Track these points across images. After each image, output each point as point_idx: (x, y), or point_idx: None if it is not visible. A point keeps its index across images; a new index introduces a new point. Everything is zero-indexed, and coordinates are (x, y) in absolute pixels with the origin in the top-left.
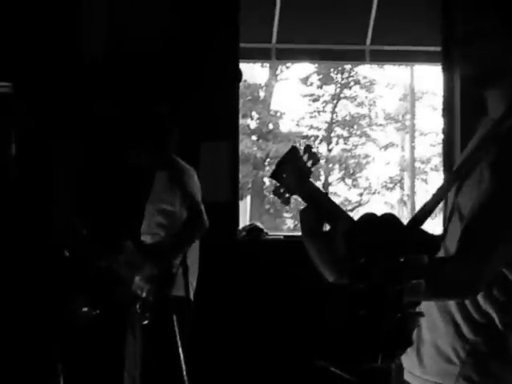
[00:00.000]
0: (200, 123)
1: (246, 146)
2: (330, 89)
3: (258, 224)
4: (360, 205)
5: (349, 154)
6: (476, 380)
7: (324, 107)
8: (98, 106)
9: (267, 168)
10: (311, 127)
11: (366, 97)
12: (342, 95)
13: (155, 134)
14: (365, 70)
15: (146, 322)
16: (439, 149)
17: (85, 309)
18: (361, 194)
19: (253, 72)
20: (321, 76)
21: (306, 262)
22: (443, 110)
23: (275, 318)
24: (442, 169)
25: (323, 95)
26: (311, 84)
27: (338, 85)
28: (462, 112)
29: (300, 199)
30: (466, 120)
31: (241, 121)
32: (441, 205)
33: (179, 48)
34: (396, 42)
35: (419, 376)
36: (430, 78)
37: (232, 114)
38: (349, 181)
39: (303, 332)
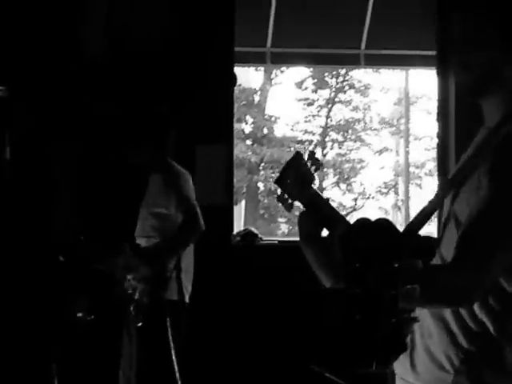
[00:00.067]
0: (195, 127)
1: (241, 150)
2: (325, 93)
3: (253, 229)
4: (354, 210)
5: (343, 158)
6: None
7: (319, 111)
8: (98, 106)
9: (262, 172)
10: (306, 132)
11: (361, 101)
12: (336, 99)
13: (155, 135)
14: (360, 75)
15: (139, 324)
16: (434, 153)
17: (80, 314)
18: (355, 199)
19: (247, 76)
20: (315, 80)
21: (301, 267)
22: (438, 114)
23: (270, 323)
24: (436, 173)
25: (318, 99)
26: (306, 88)
27: (333, 89)
28: (456, 116)
29: (300, 205)
30: (460, 124)
31: (235, 125)
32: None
33: (175, 52)
34: (391, 46)
35: (412, 382)
36: (424, 82)
37: (227, 118)
38: (343, 185)
39: (298, 337)
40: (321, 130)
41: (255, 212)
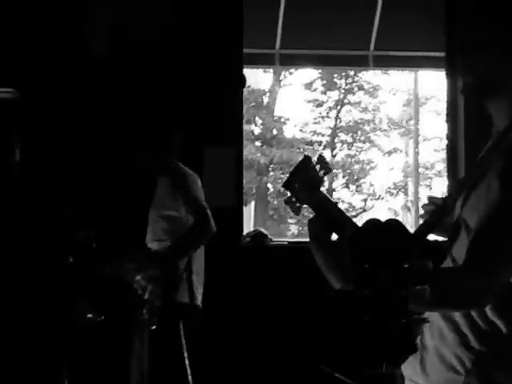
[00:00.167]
0: (204, 129)
1: (250, 151)
2: (334, 94)
3: (262, 230)
4: (364, 211)
5: (353, 159)
6: None
7: (328, 113)
8: (102, 106)
9: (271, 174)
10: (315, 133)
11: (370, 102)
12: (345, 101)
13: (158, 137)
14: (368, 76)
15: (153, 327)
16: (443, 154)
17: (89, 315)
18: (365, 200)
19: (256, 78)
20: (324, 82)
21: (311, 268)
22: (447, 115)
23: (280, 324)
24: (446, 174)
25: (327, 101)
26: (315, 90)
27: (342, 90)
28: (465, 117)
29: (309, 208)
30: (470, 125)
31: (244, 127)
32: None
33: (183, 54)
34: (400, 47)
35: None
36: (433, 84)
37: (236, 120)
38: (353, 186)
39: (308, 337)
40: (330, 131)
41: (265, 213)
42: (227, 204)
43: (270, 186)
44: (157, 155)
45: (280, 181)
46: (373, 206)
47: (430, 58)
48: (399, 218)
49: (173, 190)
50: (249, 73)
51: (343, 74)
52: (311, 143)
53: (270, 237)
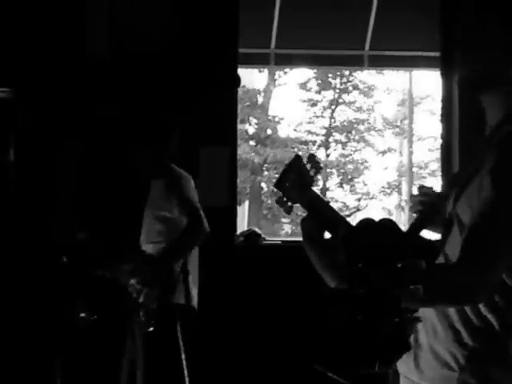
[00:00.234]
0: (199, 128)
1: (244, 151)
2: (329, 94)
3: (256, 229)
4: (358, 210)
5: (347, 159)
6: None
7: (322, 112)
8: (100, 106)
9: (265, 173)
10: (309, 132)
11: (365, 102)
12: (340, 100)
13: (157, 137)
14: (363, 76)
15: (151, 329)
16: (437, 154)
17: (83, 314)
18: (359, 199)
19: (251, 77)
20: (319, 81)
21: (304, 268)
22: (442, 114)
23: (273, 323)
24: (440, 174)
25: (321, 100)
26: (310, 89)
27: (337, 90)
28: (460, 117)
29: (301, 207)
30: (464, 125)
31: (239, 126)
32: None
33: (178, 53)
34: (394, 47)
35: (416, 381)
36: (428, 83)
37: (230, 120)
38: (347, 186)
39: (302, 337)
40: (324, 130)
41: (259, 212)
42: (221, 203)
43: (263, 185)
44: (156, 155)
45: (274, 180)
46: (366, 206)
47: (425, 58)
48: (393, 218)
49: (167, 192)
50: (243, 72)
51: (338, 73)
52: (305, 143)
53: (263, 236)
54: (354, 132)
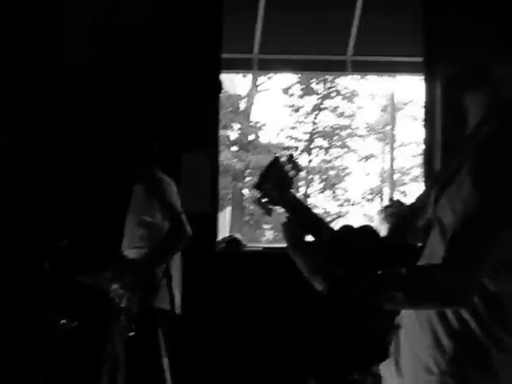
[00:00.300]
0: (180, 133)
1: (226, 157)
2: (312, 99)
3: (238, 236)
4: (339, 216)
5: (329, 165)
6: None
7: (305, 118)
8: (81, 116)
9: (247, 179)
10: (292, 138)
11: (348, 107)
12: (323, 106)
13: (138, 143)
14: (346, 81)
15: (132, 334)
16: (420, 159)
17: (63, 321)
18: (341, 206)
19: (234, 83)
20: (303, 86)
21: (285, 274)
22: (424, 120)
23: (254, 329)
24: (422, 179)
25: (304, 106)
26: (292, 95)
27: (320, 95)
28: (443, 122)
29: (281, 210)
30: (447, 130)
31: (221, 132)
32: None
33: (160, 58)
34: (378, 52)
35: None
36: (411, 89)
37: (213, 125)
38: (329, 192)
39: (284, 342)
40: (307, 136)
41: (240, 218)
42: (203, 209)
43: (245, 191)
44: (138, 160)
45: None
46: (347, 212)
47: (408, 63)
48: (374, 224)
49: (148, 197)
50: (226, 78)
51: (321, 78)
52: (288, 148)
53: (244, 243)
54: (336, 138)
